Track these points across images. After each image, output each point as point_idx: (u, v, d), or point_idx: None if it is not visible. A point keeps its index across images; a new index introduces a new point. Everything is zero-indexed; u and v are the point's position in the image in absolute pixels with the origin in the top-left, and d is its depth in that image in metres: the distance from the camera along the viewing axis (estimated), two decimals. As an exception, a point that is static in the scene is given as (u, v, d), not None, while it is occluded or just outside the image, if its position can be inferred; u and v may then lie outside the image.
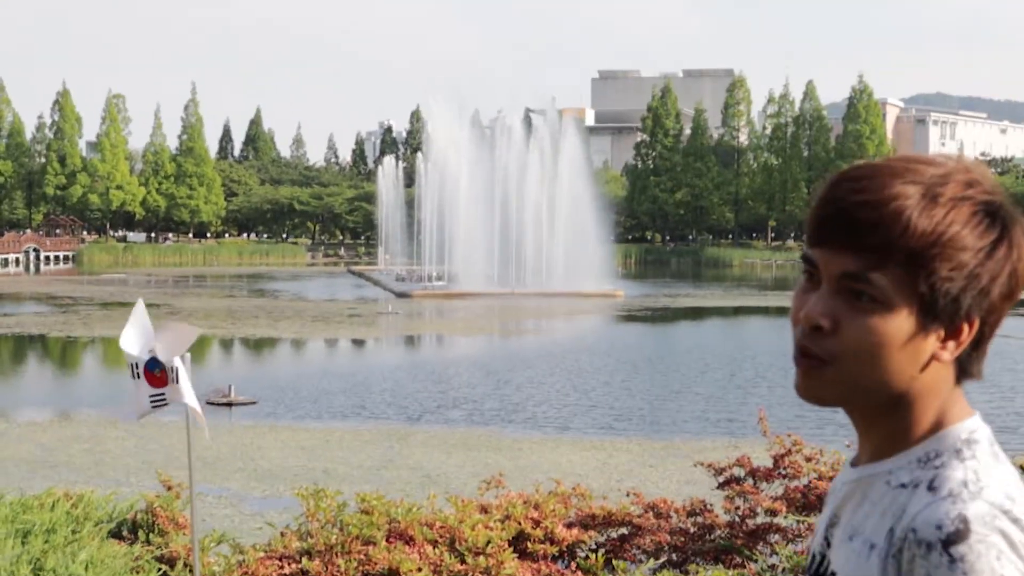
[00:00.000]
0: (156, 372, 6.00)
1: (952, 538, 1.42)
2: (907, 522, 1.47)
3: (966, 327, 1.53)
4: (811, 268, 1.55)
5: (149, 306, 6.39)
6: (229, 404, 22.69)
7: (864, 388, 1.55)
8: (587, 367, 30.17)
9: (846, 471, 1.66)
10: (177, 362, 6.00)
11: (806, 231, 1.57)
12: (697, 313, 51.08)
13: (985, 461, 1.52)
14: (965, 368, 1.57)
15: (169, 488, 8.45)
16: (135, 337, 6.07)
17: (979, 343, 1.56)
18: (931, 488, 1.49)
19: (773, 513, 7.18)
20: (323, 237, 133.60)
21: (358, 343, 37.39)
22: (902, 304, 1.50)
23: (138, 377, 6.06)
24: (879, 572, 1.48)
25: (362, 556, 5.84)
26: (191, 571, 6.59)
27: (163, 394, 6.04)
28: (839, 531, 1.61)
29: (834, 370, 1.54)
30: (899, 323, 1.51)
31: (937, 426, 1.56)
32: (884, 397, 1.56)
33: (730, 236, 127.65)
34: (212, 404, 22.38)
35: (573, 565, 6.42)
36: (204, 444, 18.25)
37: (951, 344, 1.53)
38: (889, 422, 1.58)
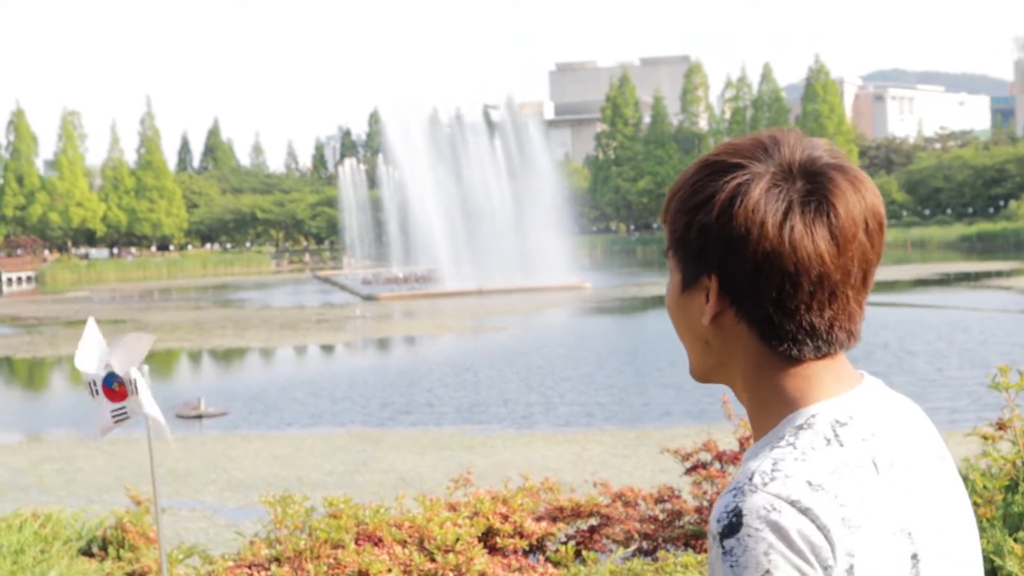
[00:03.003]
0: (114, 386, 5.97)
1: (725, 531, 1.41)
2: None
3: (707, 284, 1.53)
4: None
5: (115, 322, 6.39)
6: (199, 416, 22.60)
7: (691, 356, 1.62)
8: (557, 361, 30.19)
9: None
10: (135, 373, 5.97)
11: None
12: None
13: (803, 447, 1.47)
14: (774, 345, 1.52)
15: (139, 503, 8.44)
16: (90, 355, 6.03)
17: (781, 312, 1.50)
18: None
19: (741, 495, 7.20)
20: (287, 244, 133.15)
21: (327, 349, 37.31)
22: (677, 270, 1.58)
23: (96, 394, 6.03)
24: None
25: (331, 560, 5.84)
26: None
27: (124, 408, 6.01)
28: None
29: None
30: (675, 287, 1.59)
31: (791, 409, 1.53)
32: (712, 370, 1.60)
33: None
34: (182, 417, 22.29)
35: (543, 558, 6.44)
36: (176, 457, 18.27)
37: (707, 307, 1.54)
38: (746, 403, 1.59)
